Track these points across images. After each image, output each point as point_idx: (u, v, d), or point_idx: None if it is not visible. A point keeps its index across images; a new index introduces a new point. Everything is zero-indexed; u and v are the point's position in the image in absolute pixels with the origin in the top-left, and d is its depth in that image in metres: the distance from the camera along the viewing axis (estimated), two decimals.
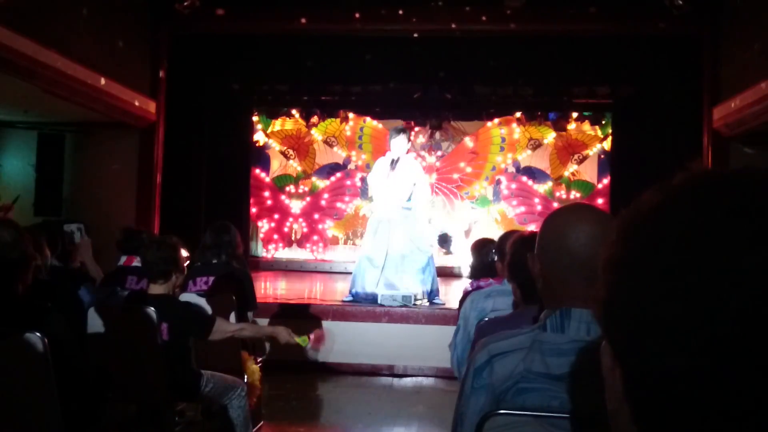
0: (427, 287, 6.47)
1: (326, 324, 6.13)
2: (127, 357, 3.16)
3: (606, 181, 10.40)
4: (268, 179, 10.96)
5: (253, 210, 10.67)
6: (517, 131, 10.83)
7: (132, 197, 7.74)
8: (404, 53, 8.39)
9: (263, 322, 6.00)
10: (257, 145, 10.84)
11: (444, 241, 10.31)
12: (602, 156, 10.62)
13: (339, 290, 7.67)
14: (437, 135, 10.92)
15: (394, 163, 6.45)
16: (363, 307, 6.23)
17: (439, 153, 10.95)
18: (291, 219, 10.91)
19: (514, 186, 10.82)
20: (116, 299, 3.56)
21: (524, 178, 10.84)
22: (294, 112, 10.74)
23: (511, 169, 10.88)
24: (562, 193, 10.74)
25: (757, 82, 6.17)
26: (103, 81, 6.61)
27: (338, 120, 10.89)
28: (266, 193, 10.90)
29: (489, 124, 10.84)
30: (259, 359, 4.17)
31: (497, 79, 9.15)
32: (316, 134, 11.01)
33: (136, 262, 3.93)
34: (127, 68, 7.21)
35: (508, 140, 10.85)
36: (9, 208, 6.19)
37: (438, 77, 9.09)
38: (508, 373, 1.23)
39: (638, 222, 0.53)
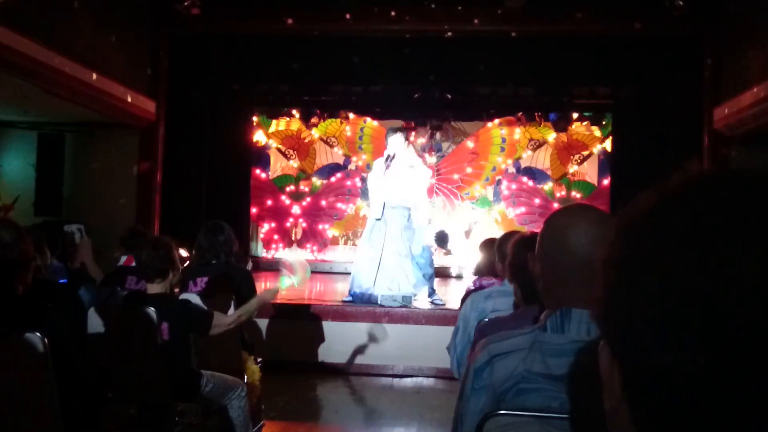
0: (426, 285, 6.45)
1: (326, 324, 6.13)
2: (127, 357, 3.16)
3: (606, 181, 10.41)
4: (268, 179, 10.96)
5: (253, 210, 10.67)
6: (517, 132, 10.83)
7: (132, 197, 7.74)
8: (404, 53, 8.40)
9: (264, 321, 6.01)
10: (257, 145, 10.84)
11: (441, 239, 10.30)
12: (602, 156, 10.62)
13: (339, 290, 7.67)
14: (437, 135, 10.92)
15: (389, 159, 6.41)
16: (363, 307, 6.23)
17: (439, 153, 10.95)
18: (291, 219, 10.91)
19: (514, 186, 10.82)
20: (116, 299, 3.56)
21: (525, 179, 10.84)
22: (294, 112, 10.74)
23: (512, 170, 10.88)
24: (562, 194, 10.74)
25: (757, 82, 6.17)
26: (103, 81, 6.61)
27: (338, 120, 10.89)
28: (266, 193, 10.90)
29: (489, 124, 10.84)
30: (260, 359, 4.17)
31: (497, 79, 9.16)
32: (316, 134, 11.01)
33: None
34: (127, 68, 7.21)
35: (508, 141, 10.85)
36: (9, 208, 6.21)
37: (438, 77, 9.09)
38: (509, 374, 1.23)
39: (636, 223, 0.53)
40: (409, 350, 6.03)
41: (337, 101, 10.32)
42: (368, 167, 10.57)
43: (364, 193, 10.71)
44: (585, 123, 10.60)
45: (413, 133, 10.56)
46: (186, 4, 7.21)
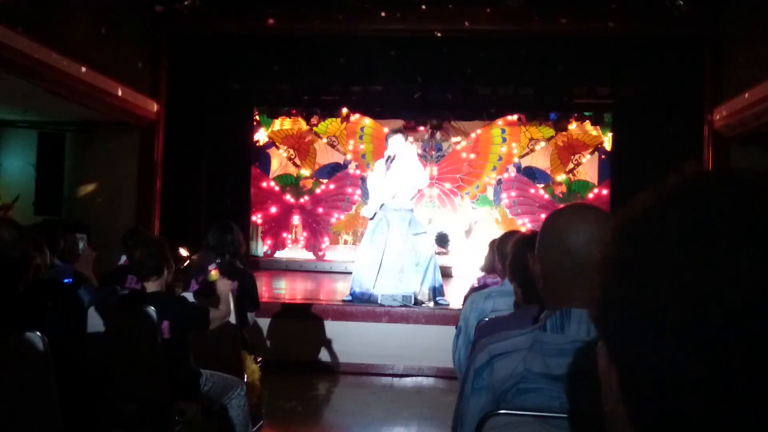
0: (429, 285, 6.45)
1: (326, 324, 6.13)
2: (128, 356, 3.16)
3: (606, 181, 10.41)
4: (268, 179, 10.96)
5: (253, 210, 10.67)
6: (517, 131, 10.83)
7: (132, 197, 7.74)
8: (404, 53, 8.39)
9: (264, 321, 6.02)
10: (258, 144, 10.84)
11: (442, 241, 10.31)
12: (603, 156, 10.62)
13: (339, 290, 7.67)
14: (437, 135, 10.92)
15: (389, 160, 6.42)
16: (363, 307, 6.23)
17: (439, 153, 10.95)
18: (291, 219, 10.91)
19: (514, 186, 10.83)
20: (116, 298, 3.56)
21: (525, 178, 10.84)
22: (294, 112, 10.74)
23: (512, 169, 10.88)
24: (562, 194, 10.74)
25: (758, 82, 6.17)
26: (103, 80, 6.61)
27: (339, 120, 10.89)
28: (267, 193, 10.90)
29: (489, 124, 10.84)
30: (259, 359, 4.17)
31: (498, 79, 9.15)
32: (318, 134, 11.01)
33: None
34: (127, 68, 7.21)
35: (508, 140, 10.86)
36: (9, 208, 6.20)
37: (438, 77, 9.09)
38: (509, 374, 1.23)
39: (633, 223, 0.53)
40: (409, 350, 6.03)
41: (338, 101, 10.32)
42: (368, 167, 10.58)
43: (364, 193, 10.73)
44: (585, 123, 10.60)
45: (413, 134, 10.57)
46: (186, 3, 7.21)
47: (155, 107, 7.74)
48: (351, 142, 10.98)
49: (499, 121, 10.78)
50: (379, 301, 6.23)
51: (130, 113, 7.32)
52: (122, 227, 4.74)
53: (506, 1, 7.20)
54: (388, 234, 6.42)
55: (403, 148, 6.55)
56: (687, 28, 7.41)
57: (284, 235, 10.90)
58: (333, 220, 10.91)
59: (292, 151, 11.04)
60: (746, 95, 6.41)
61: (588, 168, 10.82)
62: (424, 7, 7.49)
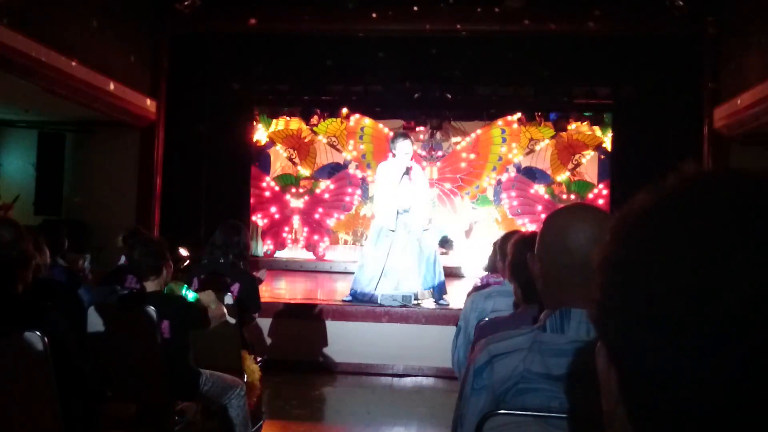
0: (432, 282, 6.44)
1: (326, 323, 6.13)
2: (127, 355, 3.16)
3: (606, 181, 10.40)
4: (268, 179, 10.95)
5: (253, 210, 10.67)
6: (517, 132, 10.82)
7: (132, 197, 7.74)
8: (404, 53, 8.40)
9: (265, 322, 6.02)
10: (258, 144, 10.84)
11: (445, 243, 10.31)
12: (603, 156, 10.62)
13: (339, 290, 7.67)
14: (437, 135, 10.92)
15: (407, 172, 6.39)
16: (363, 307, 6.23)
17: (440, 153, 10.95)
18: (291, 219, 10.90)
19: (514, 186, 10.82)
20: (115, 298, 3.56)
21: (525, 178, 10.84)
22: (294, 111, 10.73)
23: (512, 169, 10.88)
24: (562, 194, 10.74)
25: (757, 82, 6.17)
26: (103, 80, 6.61)
27: (339, 120, 10.88)
28: (267, 193, 10.89)
29: (489, 124, 10.83)
30: (259, 359, 4.17)
31: (498, 79, 9.15)
32: (317, 134, 11.00)
33: None
34: (127, 67, 7.21)
35: (508, 140, 10.85)
36: (9, 208, 6.20)
37: (438, 77, 9.09)
38: (508, 374, 1.23)
39: (632, 223, 0.53)
40: (409, 350, 6.03)
41: (338, 101, 10.32)
42: (369, 167, 10.58)
43: (365, 193, 10.72)
44: (585, 123, 10.59)
45: (413, 134, 10.56)
46: (186, 3, 7.21)
47: (155, 107, 7.74)
48: (351, 142, 10.97)
49: (499, 121, 10.77)
50: (379, 301, 6.23)
51: (130, 113, 7.32)
52: (122, 227, 4.74)
53: (506, 1, 7.20)
54: (394, 238, 6.44)
55: (410, 155, 6.49)
56: (687, 28, 7.41)
57: (284, 235, 10.89)
58: (333, 220, 10.90)
59: (292, 151, 11.03)
60: (746, 95, 6.41)
61: (588, 168, 10.82)
62: (424, 7, 7.49)
